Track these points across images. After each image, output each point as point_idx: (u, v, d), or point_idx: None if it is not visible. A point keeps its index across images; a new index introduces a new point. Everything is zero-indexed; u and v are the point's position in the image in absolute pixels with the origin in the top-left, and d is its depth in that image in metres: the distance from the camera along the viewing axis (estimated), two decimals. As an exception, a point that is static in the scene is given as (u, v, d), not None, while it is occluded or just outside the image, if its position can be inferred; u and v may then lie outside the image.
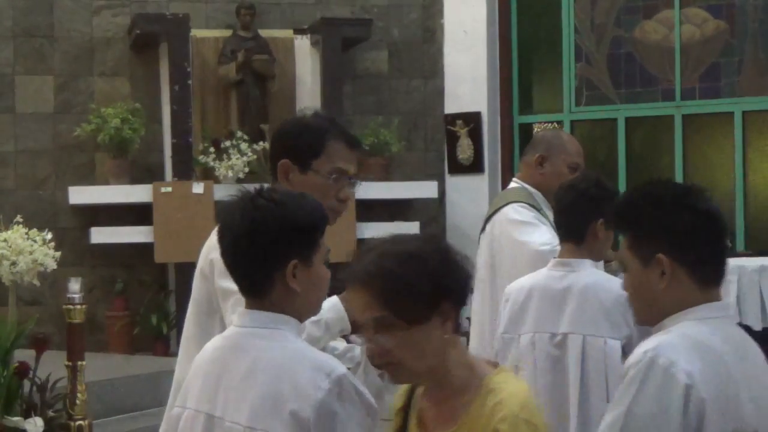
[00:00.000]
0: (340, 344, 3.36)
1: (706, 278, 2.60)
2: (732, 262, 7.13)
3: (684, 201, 2.61)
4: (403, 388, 2.53)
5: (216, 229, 3.25)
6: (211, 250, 3.29)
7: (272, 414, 2.44)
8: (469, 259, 2.47)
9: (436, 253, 2.39)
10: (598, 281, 3.93)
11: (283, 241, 2.53)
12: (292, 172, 3.28)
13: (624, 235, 2.67)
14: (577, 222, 3.95)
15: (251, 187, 2.65)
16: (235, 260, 2.60)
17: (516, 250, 4.63)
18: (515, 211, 4.72)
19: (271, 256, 2.54)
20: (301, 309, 2.61)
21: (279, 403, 2.44)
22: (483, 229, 4.90)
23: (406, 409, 2.52)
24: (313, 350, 2.58)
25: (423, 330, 2.38)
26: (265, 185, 2.67)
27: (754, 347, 2.67)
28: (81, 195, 9.77)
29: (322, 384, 2.43)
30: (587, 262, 3.96)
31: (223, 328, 3.16)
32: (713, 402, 2.45)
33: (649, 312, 2.64)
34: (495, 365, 2.49)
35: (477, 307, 4.89)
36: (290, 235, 2.54)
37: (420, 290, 2.35)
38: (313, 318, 3.20)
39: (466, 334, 8.04)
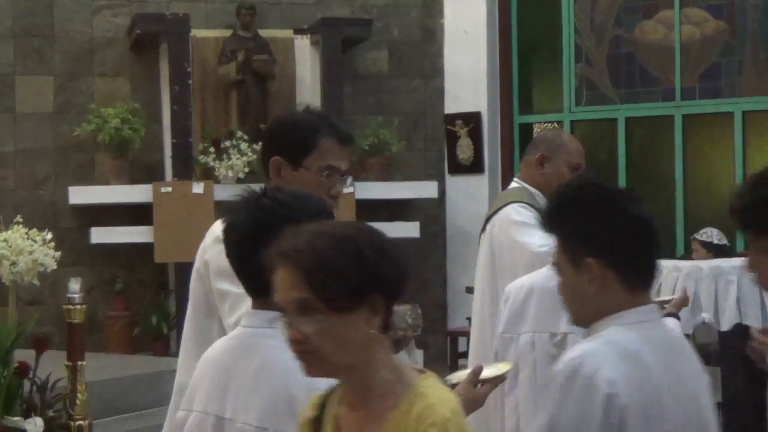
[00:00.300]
0: None
1: (636, 283, 2.62)
2: (732, 262, 7.13)
3: (614, 206, 2.62)
4: (313, 398, 2.37)
5: (210, 229, 3.23)
6: (205, 251, 3.28)
7: (285, 414, 2.44)
8: (406, 258, 2.28)
9: (371, 242, 2.21)
10: (597, 281, 3.93)
11: None
12: (284, 169, 3.29)
13: (555, 238, 2.67)
14: None
15: (256, 186, 2.65)
16: (241, 261, 2.59)
17: (515, 251, 4.63)
18: (515, 212, 4.72)
19: None
20: None
21: (292, 403, 2.44)
22: (483, 229, 4.90)
23: (318, 421, 2.34)
24: None
25: (347, 320, 2.17)
26: (269, 185, 2.67)
27: (683, 350, 2.69)
28: (81, 195, 9.77)
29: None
30: (587, 262, 3.95)
31: (222, 328, 3.16)
32: (636, 408, 2.48)
33: (582, 314, 2.67)
34: (421, 371, 2.34)
35: (477, 307, 4.89)
36: None
37: (348, 276, 2.16)
38: None
39: (467, 334, 8.04)
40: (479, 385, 2.89)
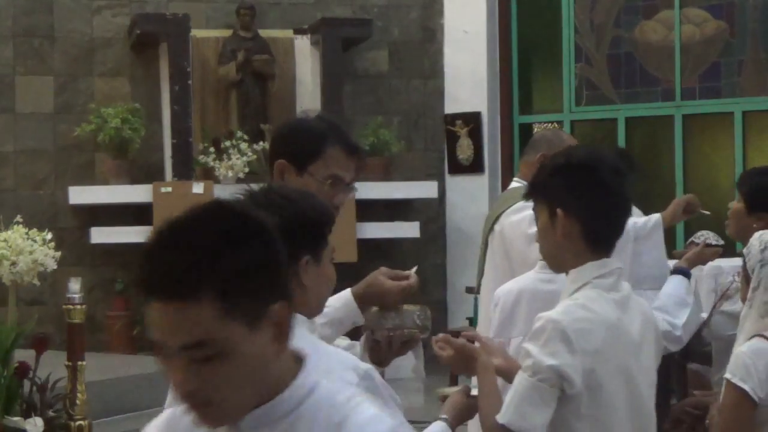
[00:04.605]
0: (343, 341, 3.36)
1: None
2: (732, 262, 7.12)
3: None
4: None
5: None
6: None
7: None
8: None
9: None
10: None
11: (297, 237, 2.52)
12: (288, 173, 3.26)
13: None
14: None
15: (256, 186, 2.64)
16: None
17: (530, 247, 4.58)
18: (525, 208, 4.69)
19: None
20: (311, 305, 2.60)
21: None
22: (491, 229, 4.84)
23: None
24: (332, 348, 2.57)
25: None
26: (272, 183, 2.65)
27: None
28: (81, 195, 9.77)
29: (351, 380, 2.43)
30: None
31: None
32: None
33: None
34: None
35: (483, 309, 4.87)
36: (304, 231, 2.53)
37: None
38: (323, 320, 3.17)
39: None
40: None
